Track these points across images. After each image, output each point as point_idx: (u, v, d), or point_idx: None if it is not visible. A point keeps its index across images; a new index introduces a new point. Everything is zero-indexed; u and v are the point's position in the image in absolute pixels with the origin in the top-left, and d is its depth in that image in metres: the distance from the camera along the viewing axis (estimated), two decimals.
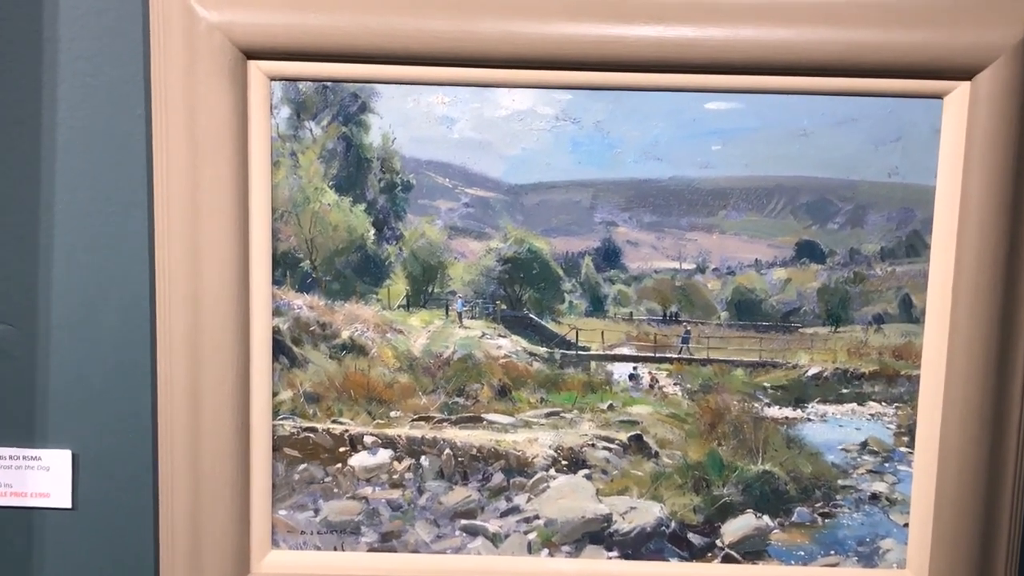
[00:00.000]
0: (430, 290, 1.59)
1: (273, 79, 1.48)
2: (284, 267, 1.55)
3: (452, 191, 1.53)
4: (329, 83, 1.52)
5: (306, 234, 1.54)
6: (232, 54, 1.44)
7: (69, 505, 1.61)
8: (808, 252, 1.55)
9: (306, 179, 1.53)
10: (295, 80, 1.51)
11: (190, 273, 1.48)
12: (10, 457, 1.61)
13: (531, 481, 1.60)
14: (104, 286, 1.57)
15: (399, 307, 1.59)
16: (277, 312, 1.56)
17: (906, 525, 1.60)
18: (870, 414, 1.61)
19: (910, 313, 1.56)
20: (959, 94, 1.44)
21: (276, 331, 1.56)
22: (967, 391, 1.51)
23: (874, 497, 1.61)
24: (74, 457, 1.60)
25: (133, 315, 1.57)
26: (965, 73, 1.44)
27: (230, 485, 1.54)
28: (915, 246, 1.53)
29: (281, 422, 1.58)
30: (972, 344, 1.50)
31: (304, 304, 1.57)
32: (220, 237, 1.46)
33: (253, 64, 1.45)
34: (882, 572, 1.62)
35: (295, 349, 1.58)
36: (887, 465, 1.61)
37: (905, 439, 1.60)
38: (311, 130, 1.52)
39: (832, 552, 1.62)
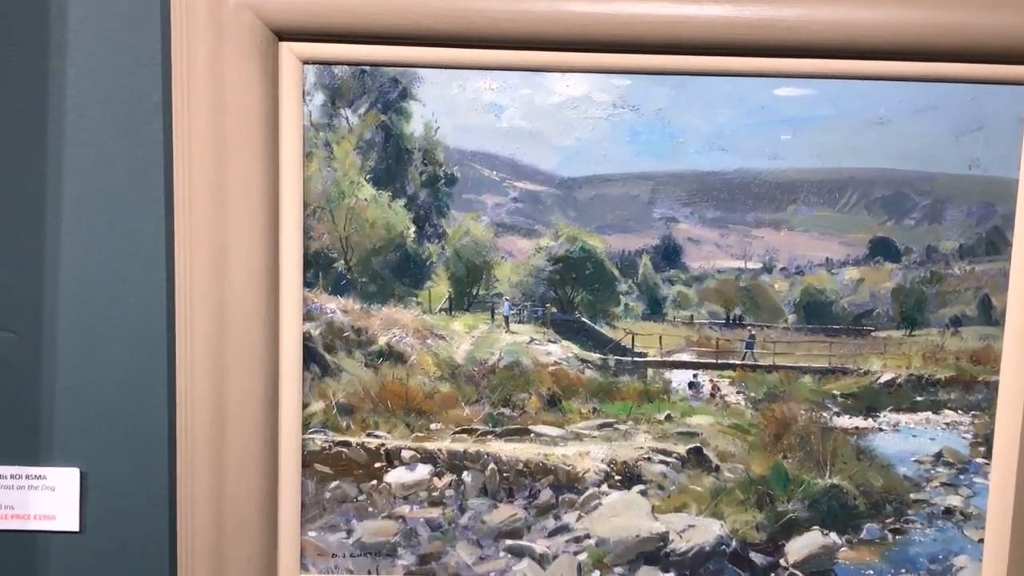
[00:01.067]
0: (474, 292, 1.56)
1: (306, 62, 1.44)
2: (316, 268, 1.51)
3: (499, 185, 1.50)
4: (367, 67, 1.47)
5: (341, 232, 1.51)
6: (262, 34, 1.37)
7: (76, 528, 1.56)
8: (882, 250, 1.52)
9: (341, 172, 1.50)
10: (330, 64, 1.46)
11: (214, 275, 1.41)
12: (11, 476, 1.55)
13: (582, 498, 1.57)
14: (117, 289, 1.50)
15: (441, 311, 1.56)
16: (308, 317, 1.51)
17: (981, 541, 1.56)
18: (945, 423, 1.57)
19: (989, 315, 1.52)
20: None
21: (307, 337, 1.51)
22: None
23: (948, 512, 1.58)
24: (82, 476, 1.55)
25: (149, 321, 1.51)
26: None
27: (256, 505, 1.49)
28: (996, 243, 1.49)
29: (312, 436, 1.54)
30: None
31: (338, 308, 1.53)
32: (247, 236, 1.41)
33: (285, 46, 1.40)
34: None
35: (327, 357, 1.54)
36: (962, 478, 1.58)
37: (982, 450, 1.56)
38: (347, 118, 1.48)
39: (903, 571, 1.58)
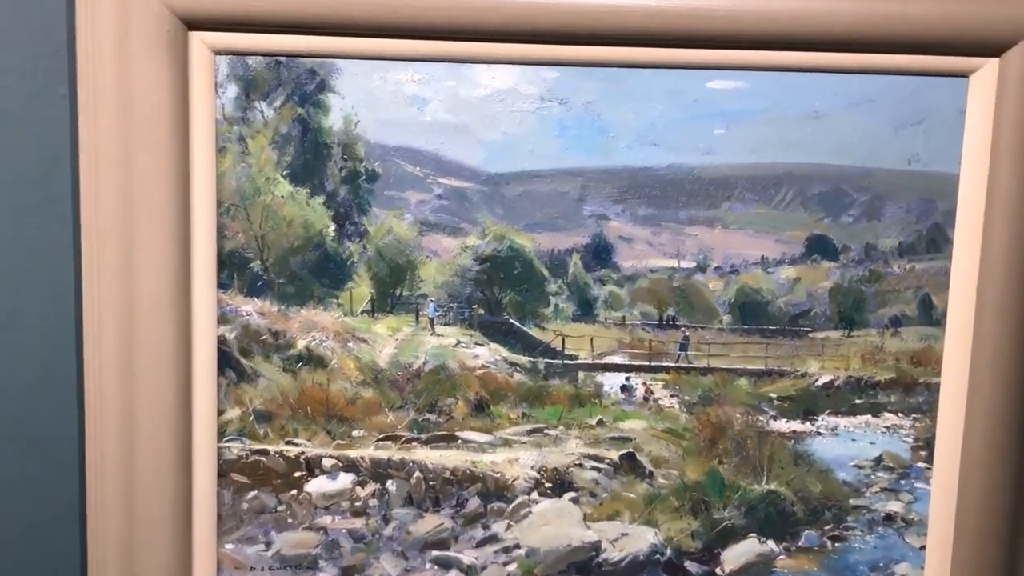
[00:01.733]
0: (398, 293, 1.54)
1: (218, 53, 1.38)
2: (231, 268, 1.47)
3: (423, 181, 1.47)
4: (283, 58, 1.43)
5: (256, 230, 1.47)
6: (171, 23, 1.32)
7: None
8: (820, 248, 1.51)
9: (256, 168, 1.46)
10: (243, 54, 1.41)
11: (122, 275, 1.36)
12: None
13: (511, 506, 1.54)
14: (21, 291, 1.44)
15: (363, 313, 1.54)
16: (223, 319, 1.47)
17: (923, 548, 1.54)
18: (885, 427, 1.56)
19: (930, 315, 1.50)
20: (987, 72, 1.38)
21: (222, 341, 1.47)
22: (992, 401, 1.44)
23: (889, 518, 1.56)
24: None
25: (56, 325, 1.44)
26: (994, 49, 1.37)
27: (169, 517, 1.44)
28: (936, 241, 1.47)
29: (227, 444, 1.50)
30: (998, 349, 1.42)
31: (254, 310, 1.49)
32: (157, 235, 1.36)
33: (195, 35, 1.35)
34: None
35: (244, 361, 1.51)
36: (903, 483, 1.57)
37: (923, 454, 1.54)
38: (262, 112, 1.45)
39: None
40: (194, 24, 1.34)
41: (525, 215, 1.48)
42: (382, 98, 1.42)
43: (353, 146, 1.45)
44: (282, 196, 1.47)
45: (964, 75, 1.40)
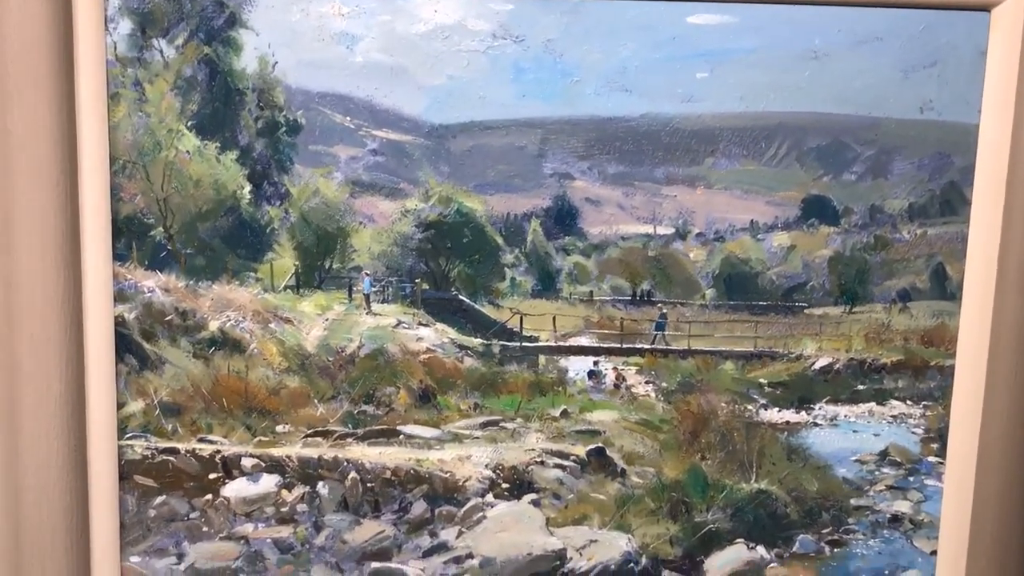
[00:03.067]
0: (327, 266, 1.50)
1: None
2: (129, 237, 1.43)
3: (355, 134, 1.42)
4: None
5: (158, 192, 1.43)
6: None
7: None
8: (817, 211, 1.46)
9: (156, 118, 1.42)
10: None
11: None
12: None
13: (463, 511, 1.50)
14: None
15: (286, 288, 1.50)
16: (121, 297, 1.42)
17: (934, 554, 1.48)
18: (892, 416, 1.52)
19: (944, 288, 1.45)
20: (1012, 6, 1.31)
21: (120, 322, 1.42)
22: (1014, 387, 1.37)
23: (895, 519, 1.51)
24: None
25: None
26: None
27: (63, 526, 1.39)
28: (952, 202, 1.42)
29: (130, 442, 1.46)
30: (1022, 327, 1.36)
31: (157, 286, 1.46)
32: (38, 198, 1.32)
33: None
34: None
35: (146, 346, 1.46)
36: (912, 480, 1.52)
37: (935, 447, 1.50)
38: (162, 51, 1.41)
39: None
40: None
41: (475, 174, 1.45)
42: (304, 35, 1.39)
43: (271, 92, 1.43)
44: (187, 151, 1.44)
45: (985, 9, 1.37)
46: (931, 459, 1.51)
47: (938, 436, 1.50)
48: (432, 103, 1.38)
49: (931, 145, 1.41)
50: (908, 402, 1.51)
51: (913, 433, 1.52)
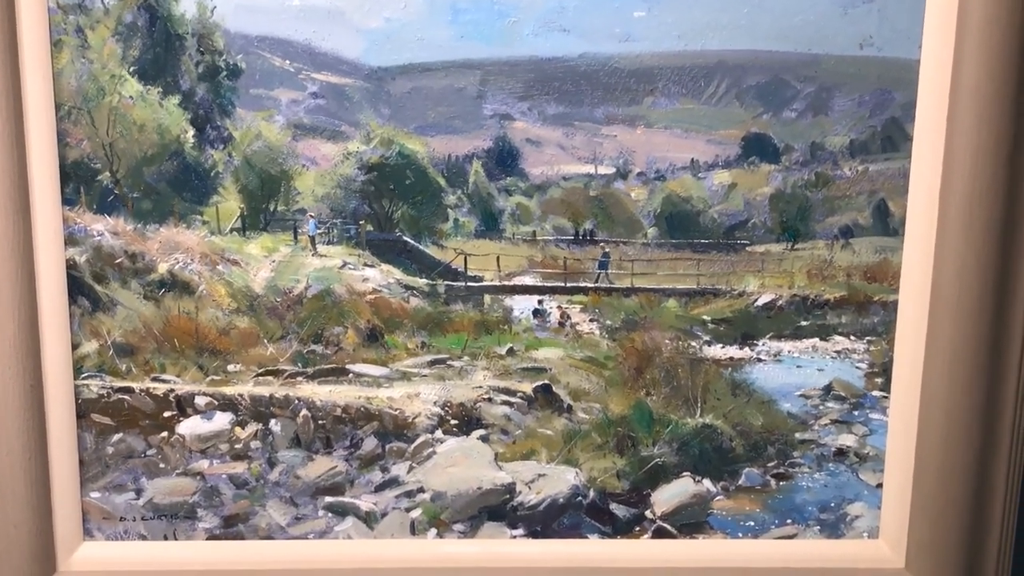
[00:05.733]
0: (272, 208, 1.51)
1: None
2: (77, 181, 1.42)
3: (295, 77, 1.42)
4: None
5: (104, 137, 1.43)
6: None
7: None
8: (758, 148, 1.46)
9: (99, 64, 1.41)
10: None
11: None
12: None
13: (412, 446, 1.51)
14: None
15: (232, 231, 1.50)
16: (71, 241, 1.42)
17: (879, 486, 1.50)
18: (835, 351, 1.53)
19: (886, 223, 1.45)
20: None
21: (71, 265, 1.42)
22: (957, 321, 1.36)
23: (840, 453, 1.53)
24: None
25: None
26: None
27: (22, 465, 1.39)
28: (893, 138, 1.42)
29: (85, 382, 1.46)
30: (963, 261, 1.35)
31: (106, 229, 1.45)
32: None
33: None
34: (850, 543, 1.51)
35: (98, 288, 1.46)
36: (856, 414, 1.53)
37: (879, 381, 1.51)
38: None
39: (788, 521, 1.52)
40: None
41: (416, 116, 1.44)
42: None
43: (210, 36, 1.42)
44: (130, 96, 1.43)
45: None
46: (875, 393, 1.52)
47: (882, 370, 1.50)
48: (370, 46, 1.39)
49: (872, 81, 1.41)
50: (852, 337, 1.52)
51: (857, 368, 1.52)
